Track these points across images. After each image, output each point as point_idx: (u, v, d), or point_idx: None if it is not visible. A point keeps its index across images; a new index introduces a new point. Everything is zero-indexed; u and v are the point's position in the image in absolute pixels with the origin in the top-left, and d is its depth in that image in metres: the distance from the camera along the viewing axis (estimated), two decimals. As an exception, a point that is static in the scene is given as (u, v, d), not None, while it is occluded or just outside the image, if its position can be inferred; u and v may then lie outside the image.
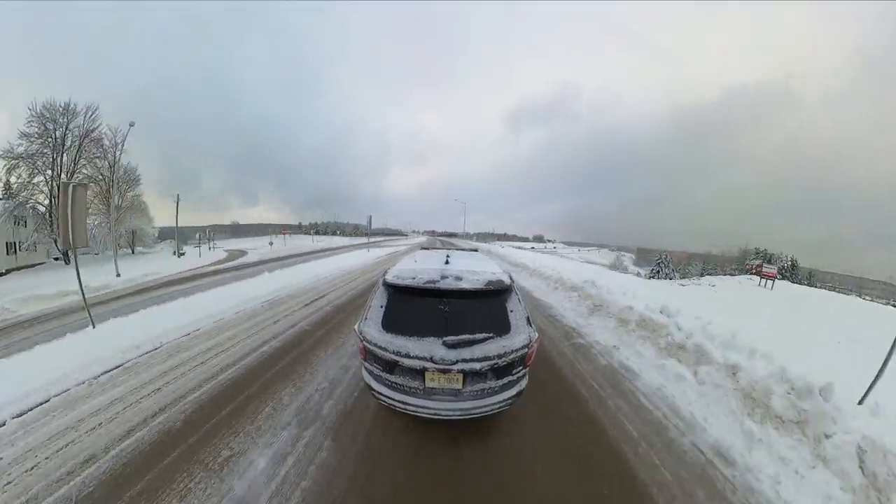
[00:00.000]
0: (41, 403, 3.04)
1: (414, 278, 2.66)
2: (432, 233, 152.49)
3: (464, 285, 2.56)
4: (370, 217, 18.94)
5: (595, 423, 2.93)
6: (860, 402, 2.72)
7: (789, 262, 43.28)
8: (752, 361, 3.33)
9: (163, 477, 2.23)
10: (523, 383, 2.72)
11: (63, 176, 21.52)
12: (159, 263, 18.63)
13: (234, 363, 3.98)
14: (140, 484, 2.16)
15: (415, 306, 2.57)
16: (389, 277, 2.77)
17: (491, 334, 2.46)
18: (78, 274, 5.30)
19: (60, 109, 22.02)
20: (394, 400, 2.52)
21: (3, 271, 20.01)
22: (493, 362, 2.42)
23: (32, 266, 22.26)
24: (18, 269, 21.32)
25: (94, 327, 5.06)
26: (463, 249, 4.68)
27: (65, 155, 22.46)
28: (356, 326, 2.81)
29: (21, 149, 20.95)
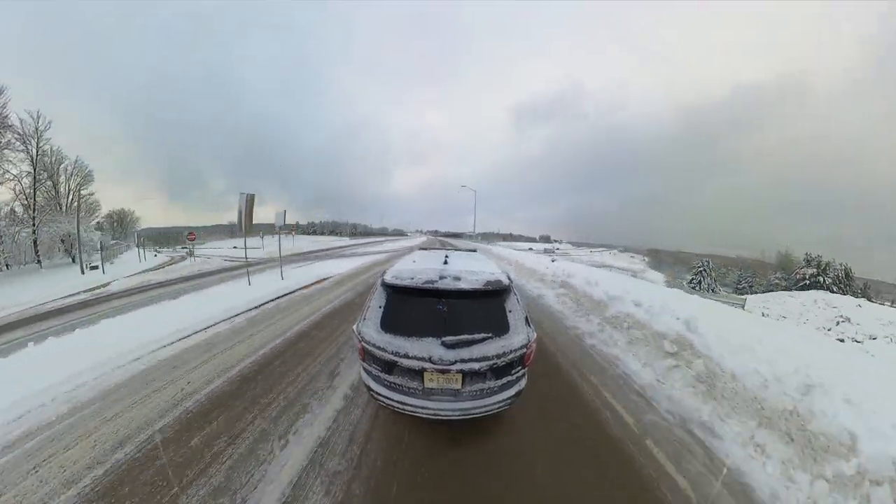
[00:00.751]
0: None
1: (412, 278, 2.74)
2: (435, 233, 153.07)
3: (462, 285, 2.63)
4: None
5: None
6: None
7: (843, 272, 37.35)
8: None
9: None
10: (522, 383, 2.78)
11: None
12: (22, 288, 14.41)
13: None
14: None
15: (413, 306, 2.64)
16: (388, 278, 2.84)
17: (489, 334, 2.52)
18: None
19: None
20: (393, 400, 2.58)
21: None
22: (491, 362, 2.48)
23: None
24: None
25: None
26: (461, 250, 4.75)
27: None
28: (355, 327, 2.87)
29: None
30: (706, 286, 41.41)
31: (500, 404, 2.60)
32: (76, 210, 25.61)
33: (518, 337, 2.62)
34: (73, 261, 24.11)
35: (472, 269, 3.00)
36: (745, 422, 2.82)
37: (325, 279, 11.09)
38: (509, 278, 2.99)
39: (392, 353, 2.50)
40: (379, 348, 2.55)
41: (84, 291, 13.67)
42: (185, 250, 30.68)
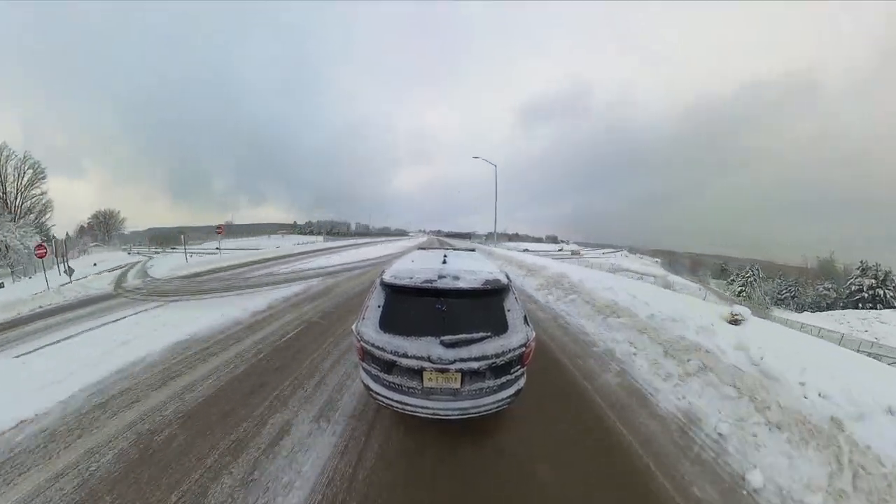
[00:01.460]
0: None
1: (411, 278, 2.82)
2: (437, 232, 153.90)
3: (461, 285, 2.71)
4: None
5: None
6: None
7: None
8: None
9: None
10: (521, 382, 2.86)
11: None
12: None
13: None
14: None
15: (412, 306, 2.71)
16: (387, 277, 2.92)
17: (488, 333, 2.59)
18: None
19: None
20: (392, 400, 2.66)
21: None
22: (490, 361, 2.55)
23: None
24: None
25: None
26: (460, 249, 4.81)
27: None
28: (354, 327, 2.94)
29: None
30: (757, 298, 36.21)
31: (500, 403, 2.68)
32: (23, 211, 22.86)
33: (517, 336, 2.69)
34: (13, 273, 20.99)
35: (470, 269, 3.08)
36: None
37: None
38: (508, 277, 3.07)
39: (391, 353, 2.56)
40: (378, 348, 2.62)
41: None
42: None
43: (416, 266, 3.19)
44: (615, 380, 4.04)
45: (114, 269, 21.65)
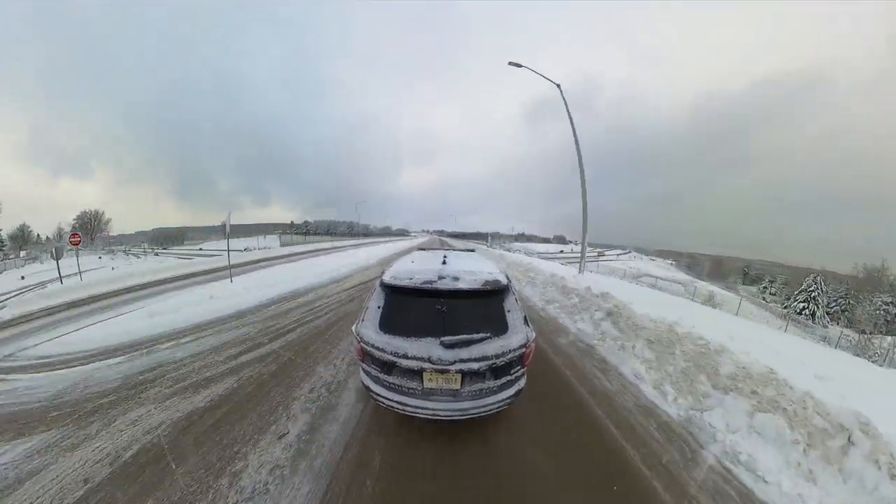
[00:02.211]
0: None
1: (411, 279, 2.90)
2: (441, 232, 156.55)
3: (461, 285, 2.79)
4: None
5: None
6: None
7: None
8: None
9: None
10: (522, 382, 2.94)
11: None
12: None
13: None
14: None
15: (412, 307, 2.79)
16: (387, 278, 3.00)
17: (488, 334, 2.68)
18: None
19: None
20: (392, 401, 2.73)
21: None
22: (491, 362, 2.63)
23: None
24: None
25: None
26: (460, 250, 4.92)
27: None
28: (353, 328, 3.02)
29: None
30: (820, 316, 31.53)
31: (500, 404, 2.76)
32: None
33: (517, 337, 2.77)
34: None
35: (470, 269, 3.17)
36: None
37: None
38: (507, 278, 3.16)
39: (391, 354, 2.64)
40: (378, 349, 2.70)
41: None
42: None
43: (415, 267, 3.28)
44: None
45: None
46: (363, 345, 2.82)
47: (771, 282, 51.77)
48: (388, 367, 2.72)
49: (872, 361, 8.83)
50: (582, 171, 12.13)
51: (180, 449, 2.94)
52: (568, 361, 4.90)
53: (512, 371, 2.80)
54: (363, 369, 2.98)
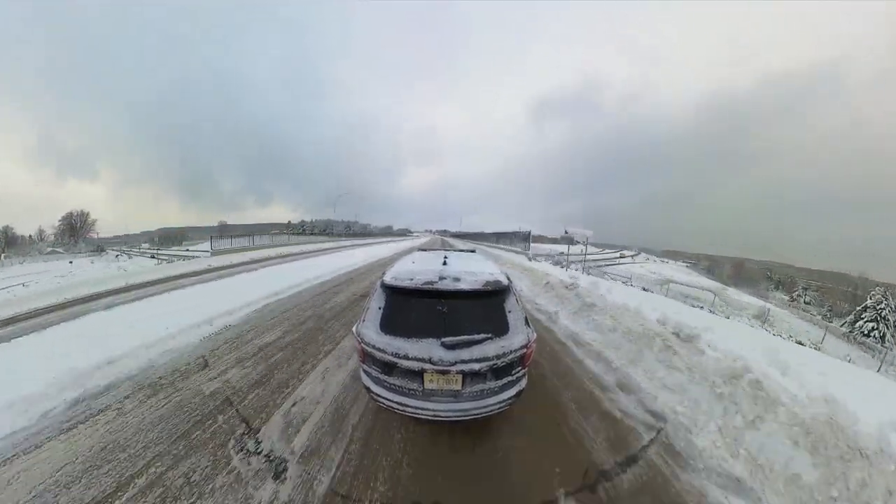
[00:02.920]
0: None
1: (412, 279, 2.99)
2: (444, 232, 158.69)
3: (462, 286, 2.88)
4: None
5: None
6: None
7: None
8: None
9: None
10: (523, 383, 3.03)
11: None
12: None
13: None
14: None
15: (413, 307, 2.88)
16: (387, 279, 3.09)
17: (489, 335, 2.76)
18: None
19: None
20: (393, 402, 2.81)
21: None
22: (491, 363, 2.71)
23: None
24: None
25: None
26: (461, 251, 4.96)
27: None
28: (354, 329, 3.11)
29: None
30: (891, 337, 26.17)
31: (501, 405, 2.84)
32: None
33: (518, 337, 2.86)
34: None
35: (471, 270, 3.26)
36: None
37: None
38: (508, 278, 3.26)
39: (392, 355, 2.72)
40: (378, 350, 2.78)
41: None
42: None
43: (416, 267, 3.37)
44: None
45: None
46: (364, 345, 2.89)
47: (805, 289, 49.17)
48: (389, 367, 2.79)
49: None
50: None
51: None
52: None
53: (513, 372, 2.88)
54: (363, 370, 3.06)
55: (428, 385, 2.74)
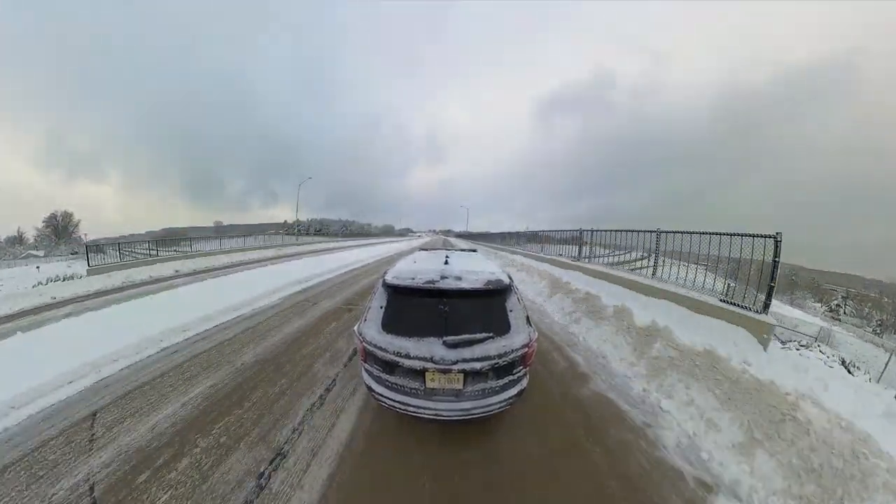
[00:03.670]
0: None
1: (413, 278, 3.06)
2: (447, 232, 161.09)
3: (463, 285, 2.95)
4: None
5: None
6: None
7: None
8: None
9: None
10: (524, 382, 3.09)
11: None
12: None
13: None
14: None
15: (414, 307, 2.95)
16: (389, 278, 3.15)
17: (491, 334, 2.83)
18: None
19: None
20: (394, 401, 2.88)
21: None
22: (493, 362, 2.78)
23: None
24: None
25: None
26: (462, 250, 5.09)
27: None
28: (355, 328, 3.18)
29: None
30: None
31: (502, 404, 2.91)
32: None
33: (519, 336, 2.93)
34: None
35: (472, 269, 3.35)
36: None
37: None
38: (510, 277, 3.33)
39: (393, 354, 2.79)
40: (380, 349, 2.85)
41: None
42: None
43: (418, 266, 3.46)
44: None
45: None
46: (365, 344, 2.97)
47: (845, 298, 46.48)
48: (391, 366, 2.87)
49: None
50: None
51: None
52: None
53: (514, 371, 2.96)
54: (365, 369, 3.14)
55: (429, 384, 2.82)
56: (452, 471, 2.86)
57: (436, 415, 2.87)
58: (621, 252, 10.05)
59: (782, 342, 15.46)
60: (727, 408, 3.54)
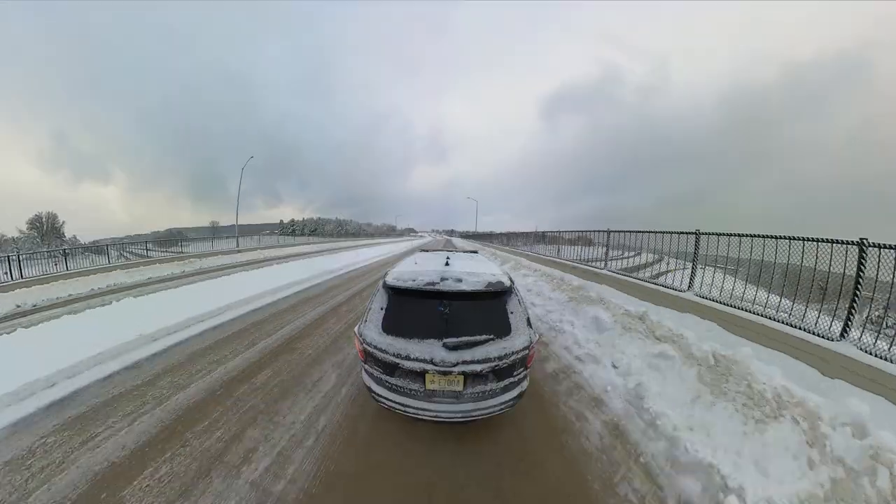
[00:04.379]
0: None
1: (414, 280, 3.12)
2: (451, 232, 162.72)
3: (464, 287, 3.01)
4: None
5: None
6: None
7: None
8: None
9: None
10: (524, 385, 3.14)
11: None
12: None
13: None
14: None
15: (415, 308, 3.00)
16: (389, 279, 3.21)
17: (491, 336, 2.89)
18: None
19: None
20: (394, 402, 2.93)
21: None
22: (493, 364, 2.83)
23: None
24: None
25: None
26: (464, 251, 5.08)
27: None
28: (356, 329, 3.23)
29: None
30: None
31: (503, 406, 2.96)
32: None
33: (520, 338, 2.99)
34: None
35: (473, 271, 3.40)
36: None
37: None
38: (510, 279, 3.39)
39: (393, 355, 2.84)
40: (380, 350, 2.90)
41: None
42: None
43: (418, 268, 3.51)
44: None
45: None
46: (365, 346, 3.02)
47: (886, 309, 48.20)
48: (391, 368, 2.92)
49: None
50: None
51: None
52: None
53: (515, 373, 3.01)
54: (365, 370, 3.19)
55: (429, 386, 2.87)
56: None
57: (435, 416, 2.94)
58: (631, 254, 9.88)
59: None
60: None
